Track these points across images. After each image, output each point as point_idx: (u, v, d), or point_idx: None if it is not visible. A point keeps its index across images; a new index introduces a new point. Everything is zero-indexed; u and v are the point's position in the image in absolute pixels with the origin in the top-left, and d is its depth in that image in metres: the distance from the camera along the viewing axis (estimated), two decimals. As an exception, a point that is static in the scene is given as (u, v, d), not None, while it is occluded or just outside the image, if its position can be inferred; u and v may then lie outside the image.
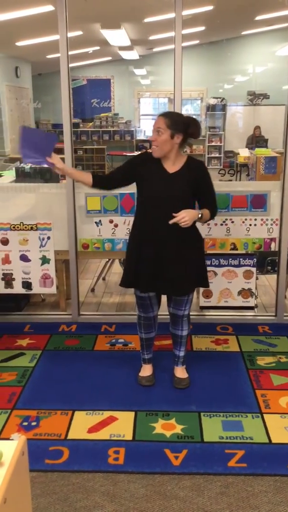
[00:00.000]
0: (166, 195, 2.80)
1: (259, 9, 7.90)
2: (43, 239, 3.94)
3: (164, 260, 2.88)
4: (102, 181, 3.04)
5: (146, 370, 3.27)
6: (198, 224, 2.97)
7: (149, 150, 2.91)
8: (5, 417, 2.87)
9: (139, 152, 2.90)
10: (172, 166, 2.86)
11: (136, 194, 2.98)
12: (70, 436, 2.71)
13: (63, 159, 3.85)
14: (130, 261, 3.02)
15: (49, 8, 4.94)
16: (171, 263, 2.89)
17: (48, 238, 3.94)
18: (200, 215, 2.78)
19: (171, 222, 2.70)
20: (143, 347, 3.25)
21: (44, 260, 3.98)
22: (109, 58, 11.69)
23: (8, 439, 2.70)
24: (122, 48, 9.79)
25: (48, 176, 4.33)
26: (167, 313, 3.18)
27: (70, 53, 3.68)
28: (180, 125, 2.79)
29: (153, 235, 2.87)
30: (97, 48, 9.75)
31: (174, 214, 2.70)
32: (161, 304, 3.18)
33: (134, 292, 3.09)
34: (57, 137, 3.10)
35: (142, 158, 2.98)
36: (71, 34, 3.68)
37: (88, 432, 2.74)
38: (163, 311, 4.02)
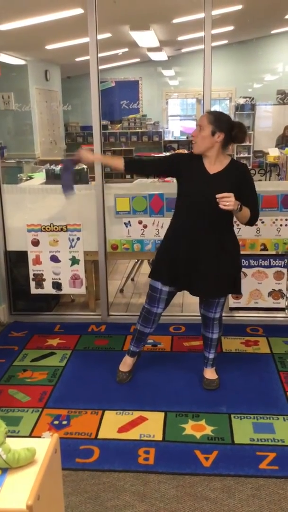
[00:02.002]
0: (205, 195, 2.73)
1: (289, 7, 7.80)
2: (72, 240, 3.98)
3: (198, 260, 2.86)
4: (136, 165, 3.07)
5: (126, 364, 3.28)
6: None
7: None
8: (37, 416, 2.90)
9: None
10: (213, 166, 2.81)
11: (176, 192, 2.95)
12: (100, 436, 2.73)
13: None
14: (163, 256, 2.99)
15: (78, 11, 4.97)
16: (204, 264, 2.86)
17: (78, 239, 3.97)
18: (239, 206, 2.67)
19: (218, 196, 2.58)
20: (133, 338, 3.24)
21: (74, 261, 4.01)
22: (138, 59, 11.72)
23: (39, 437, 2.74)
24: (151, 49, 9.78)
25: (78, 177, 4.37)
26: (199, 314, 3.17)
27: (99, 55, 3.71)
28: (223, 124, 2.74)
29: (190, 234, 2.84)
30: (126, 50, 9.78)
31: (222, 195, 2.59)
32: (168, 306, 3.11)
33: (150, 282, 3.06)
34: (69, 164, 3.19)
35: (186, 156, 2.95)
36: (100, 37, 3.70)
37: (118, 432, 2.75)
38: (192, 312, 4.01)
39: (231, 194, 2.61)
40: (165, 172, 3.07)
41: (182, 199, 2.90)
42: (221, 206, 2.61)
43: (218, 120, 2.74)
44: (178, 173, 2.91)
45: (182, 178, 2.90)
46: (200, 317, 3.17)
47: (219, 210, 2.69)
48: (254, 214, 2.83)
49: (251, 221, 2.86)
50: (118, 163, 2.99)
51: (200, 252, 2.85)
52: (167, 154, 10.82)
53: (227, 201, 2.60)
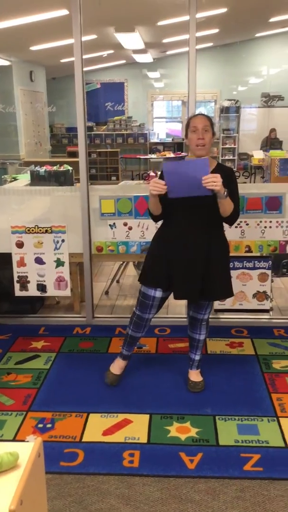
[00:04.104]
0: (193, 198, 2.68)
1: (273, 11, 7.87)
2: (57, 242, 3.96)
3: (189, 264, 2.84)
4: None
5: (117, 367, 3.25)
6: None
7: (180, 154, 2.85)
8: (21, 419, 2.88)
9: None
10: None
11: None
12: (85, 439, 2.71)
13: (77, 163, 3.87)
14: (156, 260, 2.95)
15: (63, 12, 4.97)
16: (195, 268, 2.84)
17: (63, 241, 3.95)
18: (225, 193, 2.63)
19: (204, 177, 2.54)
20: (125, 343, 3.22)
21: (59, 263, 3.99)
22: (123, 61, 11.75)
23: (23, 441, 2.72)
24: (136, 51, 9.81)
25: (62, 179, 4.36)
26: (185, 316, 3.16)
27: (84, 57, 3.70)
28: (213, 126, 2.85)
29: (180, 238, 2.83)
30: (111, 51, 9.79)
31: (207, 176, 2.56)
32: (160, 310, 3.09)
33: (141, 289, 3.03)
34: (206, 161, 2.66)
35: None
36: (85, 38, 3.70)
37: (103, 435, 2.74)
38: (177, 314, 4.02)
39: (218, 175, 2.59)
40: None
41: (170, 204, 2.84)
42: (208, 186, 2.55)
43: (212, 123, 2.84)
44: None
45: None
46: (185, 319, 3.17)
47: (207, 213, 2.68)
48: (234, 212, 2.80)
49: (232, 218, 2.82)
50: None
51: (192, 256, 2.83)
52: (153, 156, 10.83)
53: (214, 181, 2.55)
